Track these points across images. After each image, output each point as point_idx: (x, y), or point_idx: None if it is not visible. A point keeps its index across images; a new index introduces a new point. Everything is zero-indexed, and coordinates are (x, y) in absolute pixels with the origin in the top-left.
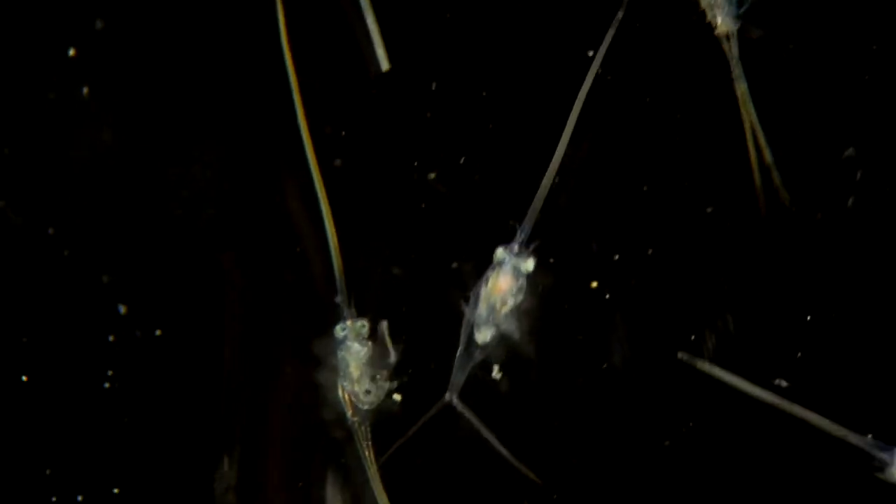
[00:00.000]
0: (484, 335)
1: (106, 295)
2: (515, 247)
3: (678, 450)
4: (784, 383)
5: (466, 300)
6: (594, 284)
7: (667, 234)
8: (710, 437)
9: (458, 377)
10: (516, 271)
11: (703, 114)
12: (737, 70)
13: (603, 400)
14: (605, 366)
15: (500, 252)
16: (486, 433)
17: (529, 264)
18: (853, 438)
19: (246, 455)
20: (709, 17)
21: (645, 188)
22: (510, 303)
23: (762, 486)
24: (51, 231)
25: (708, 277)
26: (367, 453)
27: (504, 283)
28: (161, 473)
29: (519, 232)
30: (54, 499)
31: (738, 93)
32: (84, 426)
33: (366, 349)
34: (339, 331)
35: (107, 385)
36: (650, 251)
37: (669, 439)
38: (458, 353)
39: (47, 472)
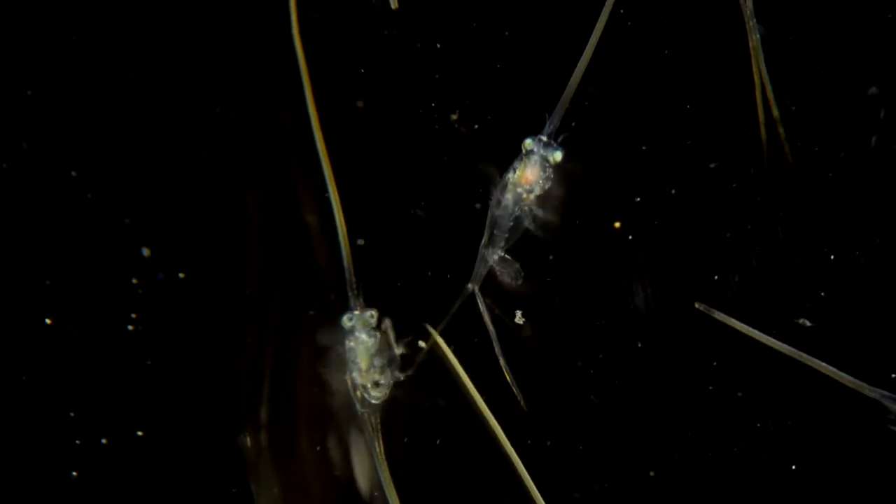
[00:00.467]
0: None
1: (129, 237)
2: (544, 137)
3: (695, 395)
4: (807, 323)
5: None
6: (617, 225)
7: (689, 175)
8: (728, 384)
9: (481, 268)
10: (544, 162)
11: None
12: (750, 22)
13: (624, 343)
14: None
15: (528, 142)
16: (497, 344)
17: (557, 155)
18: (868, 391)
19: (273, 397)
20: None
21: (664, 132)
22: (536, 191)
23: (776, 435)
24: (74, 174)
25: (731, 217)
26: (376, 445)
27: (531, 174)
28: (185, 417)
29: (548, 122)
30: (78, 441)
31: (751, 44)
32: (107, 369)
33: (374, 339)
34: (347, 321)
35: (130, 328)
36: (673, 191)
37: (688, 384)
38: (481, 244)
39: (71, 415)
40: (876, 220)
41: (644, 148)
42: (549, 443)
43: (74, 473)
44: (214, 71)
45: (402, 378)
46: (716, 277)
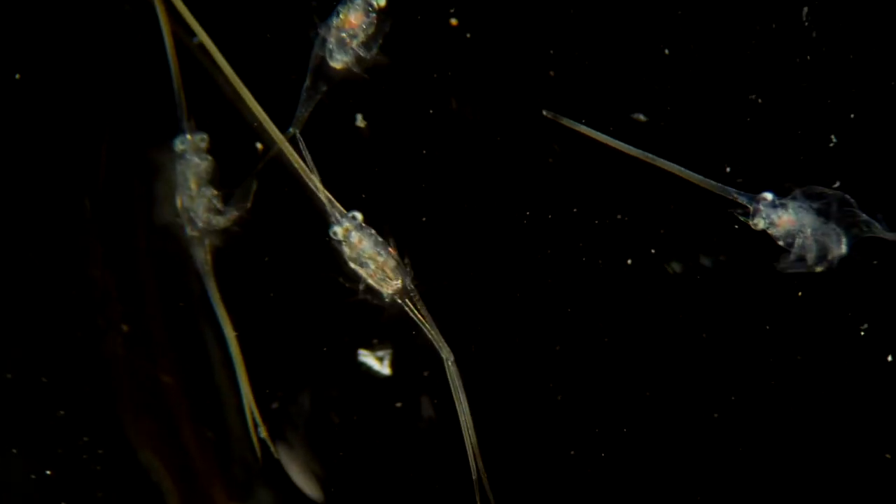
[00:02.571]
0: (337, 62)
1: None
2: None
3: (539, 199)
4: (642, 117)
5: (315, 33)
6: (454, 22)
7: None
8: (574, 183)
9: (303, 111)
10: (367, 5)
11: None
12: None
13: (463, 147)
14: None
15: None
16: (314, 175)
17: (381, 0)
18: (715, 187)
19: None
20: None
21: None
22: (360, 36)
23: (625, 235)
24: None
25: (564, 14)
26: (205, 268)
27: (355, 18)
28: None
29: None
30: None
31: None
32: None
33: (206, 163)
34: (179, 144)
35: None
36: None
37: (531, 185)
38: (304, 87)
39: None
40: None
41: None
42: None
43: None
44: None
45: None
46: (551, 73)
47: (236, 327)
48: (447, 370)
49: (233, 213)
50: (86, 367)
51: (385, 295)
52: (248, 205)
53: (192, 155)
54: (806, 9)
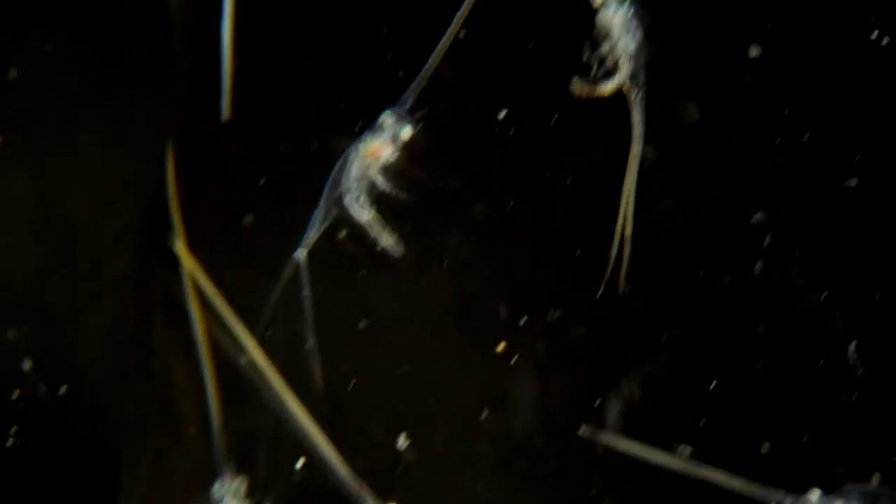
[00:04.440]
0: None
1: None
2: (400, 111)
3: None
4: (687, 449)
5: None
6: (500, 347)
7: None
8: None
9: (312, 234)
10: (395, 137)
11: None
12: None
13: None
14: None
15: (384, 116)
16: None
17: (407, 132)
18: (764, 494)
19: None
20: None
21: None
22: (380, 163)
23: None
24: None
25: (612, 342)
26: None
27: (379, 148)
28: None
29: (406, 96)
30: None
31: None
32: None
33: None
34: (217, 489)
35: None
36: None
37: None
38: (316, 210)
39: None
40: (755, 347)
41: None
42: None
43: None
44: None
45: None
46: (597, 403)
47: None
48: None
49: None
50: None
51: None
52: None
53: (231, 500)
54: None
